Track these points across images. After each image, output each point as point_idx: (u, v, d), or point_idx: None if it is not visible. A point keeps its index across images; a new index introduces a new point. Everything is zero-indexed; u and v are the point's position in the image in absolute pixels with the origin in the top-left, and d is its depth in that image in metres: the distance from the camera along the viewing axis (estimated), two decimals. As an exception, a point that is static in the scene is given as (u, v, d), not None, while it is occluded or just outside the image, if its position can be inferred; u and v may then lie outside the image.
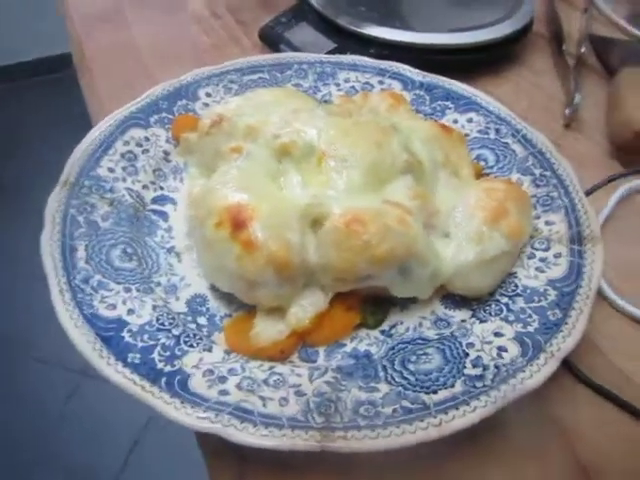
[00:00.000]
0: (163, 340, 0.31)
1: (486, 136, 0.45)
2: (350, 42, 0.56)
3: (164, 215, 0.40)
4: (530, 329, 0.32)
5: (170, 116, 0.45)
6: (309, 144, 0.37)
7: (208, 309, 0.35)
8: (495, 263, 0.34)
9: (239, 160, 0.38)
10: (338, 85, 0.50)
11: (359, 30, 0.56)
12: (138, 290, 0.34)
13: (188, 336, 0.32)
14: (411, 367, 0.30)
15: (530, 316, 0.33)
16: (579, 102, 0.51)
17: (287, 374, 0.30)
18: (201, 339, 0.32)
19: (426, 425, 0.27)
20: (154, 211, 0.40)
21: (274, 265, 0.31)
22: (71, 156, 0.40)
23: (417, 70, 0.50)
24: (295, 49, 0.56)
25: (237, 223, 0.32)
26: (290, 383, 0.29)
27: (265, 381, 0.29)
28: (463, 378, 0.29)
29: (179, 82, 0.47)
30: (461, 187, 0.39)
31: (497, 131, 0.45)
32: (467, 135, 0.45)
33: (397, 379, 0.30)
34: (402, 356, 0.31)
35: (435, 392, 0.29)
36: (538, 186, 0.41)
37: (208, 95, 0.47)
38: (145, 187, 0.41)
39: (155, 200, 0.41)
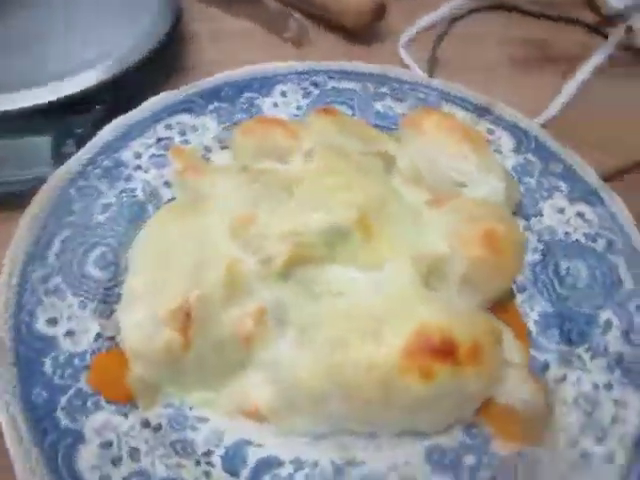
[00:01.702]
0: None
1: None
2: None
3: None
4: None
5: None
6: (333, 229, 0.28)
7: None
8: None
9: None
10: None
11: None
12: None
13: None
14: (581, 285, 0.33)
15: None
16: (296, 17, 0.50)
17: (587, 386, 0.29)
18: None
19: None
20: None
21: (495, 338, 0.27)
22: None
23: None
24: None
25: (442, 349, 0.25)
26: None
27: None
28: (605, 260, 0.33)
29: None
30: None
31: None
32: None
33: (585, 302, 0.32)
34: (560, 285, 0.33)
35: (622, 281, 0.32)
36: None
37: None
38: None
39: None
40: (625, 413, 0.28)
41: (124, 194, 0.34)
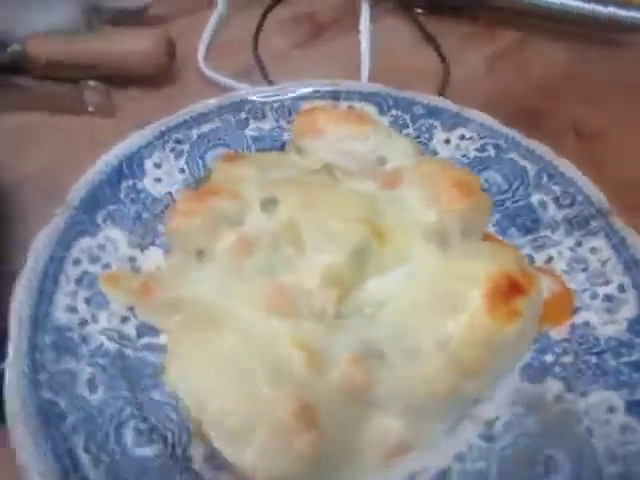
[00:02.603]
0: None
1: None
2: None
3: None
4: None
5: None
6: (357, 249, 0.29)
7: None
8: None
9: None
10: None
11: None
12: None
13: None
14: (505, 187, 0.37)
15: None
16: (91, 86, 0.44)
17: (567, 253, 0.35)
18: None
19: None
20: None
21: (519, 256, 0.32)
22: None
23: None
24: None
25: (513, 287, 0.28)
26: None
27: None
28: (503, 160, 0.38)
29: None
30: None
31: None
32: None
33: (517, 197, 0.37)
34: (491, 195, 0.36)
35: (525, 168, 0.38)
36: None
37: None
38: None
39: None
40: (602, 254, 0.34)
41: (95, 358, 0.28)
